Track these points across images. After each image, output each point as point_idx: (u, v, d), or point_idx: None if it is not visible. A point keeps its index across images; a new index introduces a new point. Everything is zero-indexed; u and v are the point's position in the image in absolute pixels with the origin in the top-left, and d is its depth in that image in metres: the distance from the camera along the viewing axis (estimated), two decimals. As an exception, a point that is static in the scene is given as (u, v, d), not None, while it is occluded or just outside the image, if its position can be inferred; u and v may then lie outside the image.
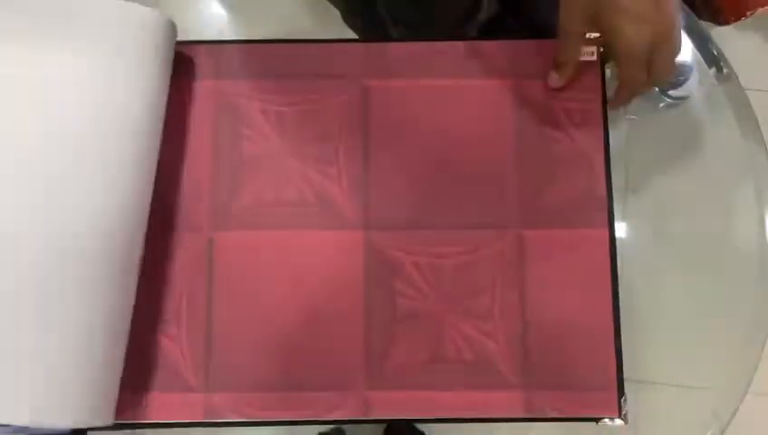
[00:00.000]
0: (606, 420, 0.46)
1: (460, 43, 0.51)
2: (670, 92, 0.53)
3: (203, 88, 0.50)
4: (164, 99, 0.47)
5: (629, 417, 0.46)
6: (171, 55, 0.48)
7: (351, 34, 0.53)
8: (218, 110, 0.50)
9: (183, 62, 0.50)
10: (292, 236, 0.48)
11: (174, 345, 0.47)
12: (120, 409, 0.44)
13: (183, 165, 0.49)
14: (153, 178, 0.46)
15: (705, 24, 0.57)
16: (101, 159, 0.43)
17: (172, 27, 0.48)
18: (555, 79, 0.49)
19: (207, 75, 0.50)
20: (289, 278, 0.47)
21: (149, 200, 0.46)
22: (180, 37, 0.48)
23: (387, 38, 0.53)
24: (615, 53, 0.44)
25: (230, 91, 0.50)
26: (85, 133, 0.43)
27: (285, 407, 0.46)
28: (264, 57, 0.51)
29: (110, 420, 0.43)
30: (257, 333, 0.47)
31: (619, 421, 0.46)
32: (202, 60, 0.50)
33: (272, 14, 0.53)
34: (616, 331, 0.47)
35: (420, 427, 0.48)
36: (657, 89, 0.53)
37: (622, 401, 0.46)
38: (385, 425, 0.48)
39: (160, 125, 0.47)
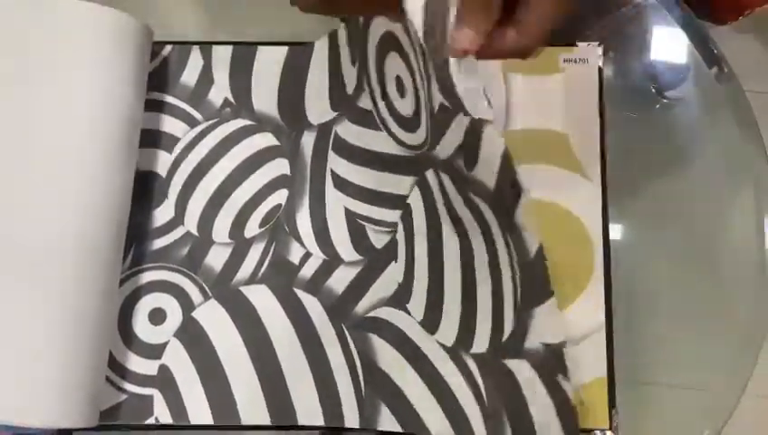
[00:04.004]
0: (597, 432, 0.46)
1: None
2: (666, 93, 0.53)
3: None
4: (140, 104, 0.48)
5: (627, 418, 0.45)
6: (146, 59, 0.49)
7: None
8: None
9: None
10: None
11: None
12: (105, 410, 0.45)
13: None
14: (131, 183, 0.47)
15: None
16: (80, 159, 0.44)
17: (147, 32, 0.48)
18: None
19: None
20: None
21: (129, 204, 0.47)
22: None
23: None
24: None
25: None
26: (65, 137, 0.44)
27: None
28: None
29: (94, 422, 0.43)
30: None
31: (610, 434, 0.45)
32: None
33: (270, 17, 0.53)
34: (608, 337, 0.46)
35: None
36: (653, 89, 0.53)
37: (613, 412, 0.46)
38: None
39: (137, 131, 0.48)
